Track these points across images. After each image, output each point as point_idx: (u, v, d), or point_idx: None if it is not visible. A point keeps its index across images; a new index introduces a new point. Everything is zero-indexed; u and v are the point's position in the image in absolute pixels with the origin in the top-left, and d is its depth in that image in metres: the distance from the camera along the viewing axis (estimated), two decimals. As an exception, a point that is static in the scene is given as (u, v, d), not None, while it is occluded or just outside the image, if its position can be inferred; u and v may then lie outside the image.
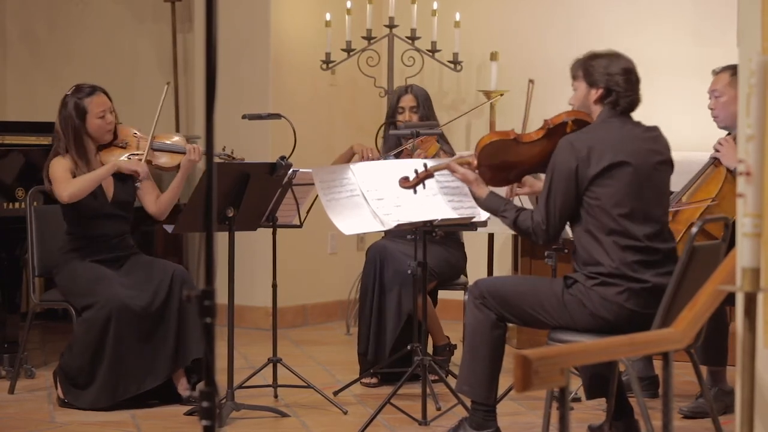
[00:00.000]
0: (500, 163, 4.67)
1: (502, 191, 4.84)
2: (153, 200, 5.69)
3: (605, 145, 4.45)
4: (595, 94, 4.55)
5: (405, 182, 4.84)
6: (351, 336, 7.39)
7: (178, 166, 5.64)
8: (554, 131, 4.61)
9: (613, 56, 4.58)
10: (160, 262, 5.71)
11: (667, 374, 3.43)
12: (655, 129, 4.63)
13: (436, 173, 4.86)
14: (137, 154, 5.64)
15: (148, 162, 5.65)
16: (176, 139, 5.79)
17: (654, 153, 4.54)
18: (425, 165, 4.87)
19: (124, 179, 5.65)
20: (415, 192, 4.87)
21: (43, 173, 5.61)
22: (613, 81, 4.52)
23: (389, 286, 6.00)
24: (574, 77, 4.64)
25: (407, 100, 6.25)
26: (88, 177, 5.49)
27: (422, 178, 4.82)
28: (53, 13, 8.67)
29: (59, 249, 5.65)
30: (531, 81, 4.91)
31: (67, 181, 5.49)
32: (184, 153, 5.63)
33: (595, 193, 4.44)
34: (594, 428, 4.86)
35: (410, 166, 5.30)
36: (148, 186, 5.70)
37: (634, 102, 4.57)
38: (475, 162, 4.66)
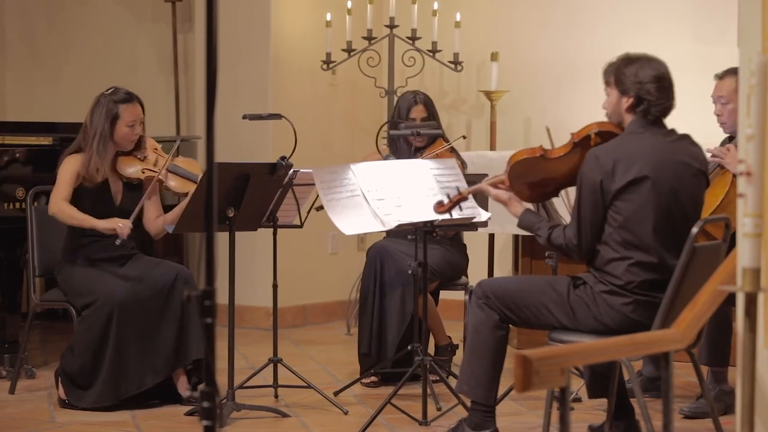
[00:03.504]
0: (533, 180, 4.64)
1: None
2: (154, 218, 5.68)
3: (631, 159, 4.39)
4: (626, 102, 4.48)
5: (439, 207, 4.84)
6: (351, 336, 7.39)
7: (186, 194, 5.60)
8: (580, 144, 4.56)
9: (645, 61, 4.50)
10: (163, 262, 5.70)
11: (668, 374, 3.43)
12: (687, 138, 4.55)
13: (469, 196, 4.86)
14: (152, 171, 5.62)
15: (160, 182, 5.63)
16: (194, 165, 5.74)
17: (683, 165, 4.47)
18: (458, 188, 4.85)
19: (133, 188, 5.64)
20: (451, 215, 4.89)
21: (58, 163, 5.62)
22: (644, 89, 4.44)
23: (390, 286, 6.00)
24: (607, 83, 4.55)
25: (418, 111, 6.21)
26: (77, 217, 5.49)
27: (456, 201, 4.81)
28: (53, 13, 8.67)
29: (62, 247, 5.65)
30: (548, 129, 4.86)
31: (63, 196, 5.51)
32: (196, 182, 5.58)
33: (617, 208, 4.40)
34: (594, 428, 4.86)
35: (413, 167, 5.31)
36: (152, 203, 5.69)
37: (666, 109, 4.49)
38: (508, 181, 4.65)
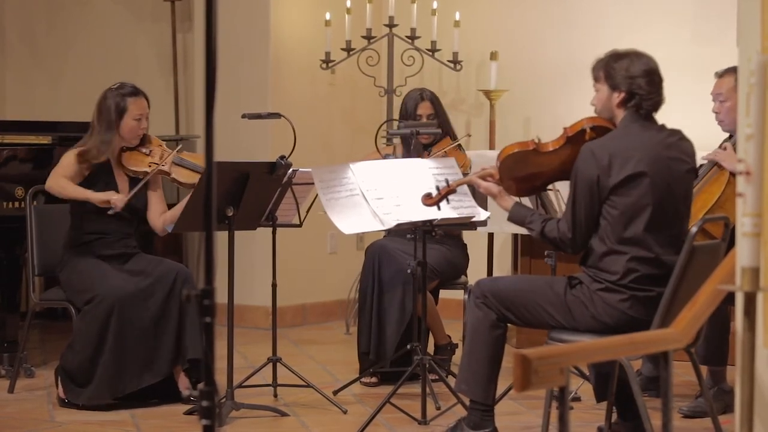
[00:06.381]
0: (523, 173, 4.64)
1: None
2: (158, 214, 5.70)
3: (627, 154, 4.39)
4: (617, 97, 4.48)
5: (428, 199, 4.84)
6: (350, 335, 7.39)
7: (193, 186, 5.61)
8: (573, 139, 4.55)
9: (635, 56, 4.49)
10: (163, 261, 5.71)
11: (667, 374, 3.43)
12: (678, 133, 4.56)
13: (458, 188, 4.85)
14: (157, 164, 5.63)
15: (167, 174, 5.64)
16: (200, 159, 5.74)
17: (676, 161, 4.47)
18: (447, 181, 4.85)
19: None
20: (439, 208, 4.88)
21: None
22: (636, 84, 4.44)
23: (389, 284, 6.00)
24: (596, 79, 4.55)
25: (425, 108, 6.22)
26: (70, 188, 5.53)
27: (444, 194, 4.82)
28: (53, 13, 8.67)
29: (63, 245, 5.65)
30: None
31: (60, 175, 5.56)
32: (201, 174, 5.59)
33: (614, 203, 4.40)
34: (602, 429, 4.85)
35: (412, 166, 5.31)
36: (157, 199, 5.70)
37: (657, 104, 4.50)
38: (498, 174, 4.65)
